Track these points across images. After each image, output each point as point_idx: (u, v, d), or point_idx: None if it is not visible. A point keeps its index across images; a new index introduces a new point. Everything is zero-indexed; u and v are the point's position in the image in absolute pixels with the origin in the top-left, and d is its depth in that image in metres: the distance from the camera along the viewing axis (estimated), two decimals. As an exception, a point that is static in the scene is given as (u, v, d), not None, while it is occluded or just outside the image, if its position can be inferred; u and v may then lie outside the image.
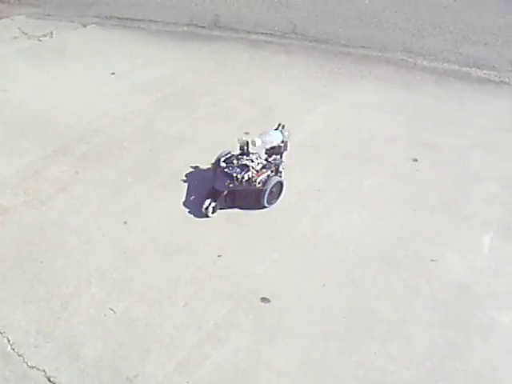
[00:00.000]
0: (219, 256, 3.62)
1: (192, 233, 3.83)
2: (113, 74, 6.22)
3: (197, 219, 3.96)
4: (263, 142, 4.09)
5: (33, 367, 2.87)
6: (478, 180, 4.49)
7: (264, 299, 3.31)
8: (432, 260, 3.65)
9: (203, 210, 3.90)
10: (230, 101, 5.64)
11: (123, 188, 4.29)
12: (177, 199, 4.17)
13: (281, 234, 3.85)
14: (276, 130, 4.25)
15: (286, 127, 4.26)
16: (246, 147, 4.09)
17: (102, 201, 4.15)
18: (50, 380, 2.81)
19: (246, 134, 4.96)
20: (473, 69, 6.57)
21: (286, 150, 4.28)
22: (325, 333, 3.12)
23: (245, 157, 4.09)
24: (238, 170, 3.99)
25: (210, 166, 4.38)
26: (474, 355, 3.02)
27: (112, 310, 3.23)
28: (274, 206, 4.09)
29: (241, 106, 5.54)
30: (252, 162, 4.04)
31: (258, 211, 4.04)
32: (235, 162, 4.06)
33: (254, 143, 4.02)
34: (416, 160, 4.71)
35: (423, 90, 6.09)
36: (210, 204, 3.90)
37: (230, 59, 6.73)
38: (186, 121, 5.25)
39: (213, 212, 3.92)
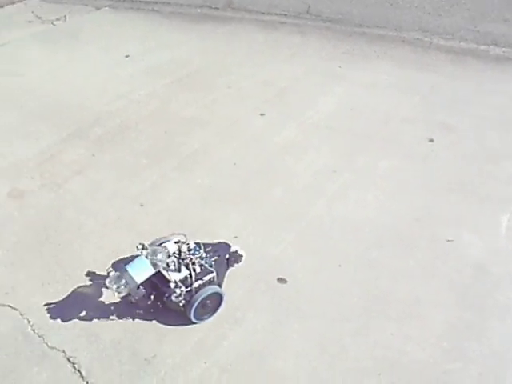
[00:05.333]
0: (235, 237, 3.62)
1: (207, 214, 3.85)
2: (127, 56, 6.21)
3: (212, 201, 3.97)
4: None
5: (53, 348, 2.92)
6: (494, 160, 4.45)
7: (280, 280, 3.33)
8: (448, 241, 3.64)
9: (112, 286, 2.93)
10: (244, 82, 5.62)
11: (139, 170, 4.30)
12: (192, 181, 4.18)
13: (296, 215, 3.85)
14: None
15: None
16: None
17: (117, 183, 4.17)
18: (69, 360, 2.85)
19: (262, 115, 4.96)
20: (491, 47, 6.48)
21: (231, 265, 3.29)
22: (341, 314, 3.13)
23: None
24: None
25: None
26: (491, 335, 3.02)
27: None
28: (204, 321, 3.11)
29: (255, 88, 5.52)
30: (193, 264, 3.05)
31: (272, 193, 4.06)
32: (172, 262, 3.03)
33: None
34: (432, 140, 4.68)
35: (439, 70, 6.02)
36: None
37: (244, 41, 6.69)
38: (200, 103, 5.24)
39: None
